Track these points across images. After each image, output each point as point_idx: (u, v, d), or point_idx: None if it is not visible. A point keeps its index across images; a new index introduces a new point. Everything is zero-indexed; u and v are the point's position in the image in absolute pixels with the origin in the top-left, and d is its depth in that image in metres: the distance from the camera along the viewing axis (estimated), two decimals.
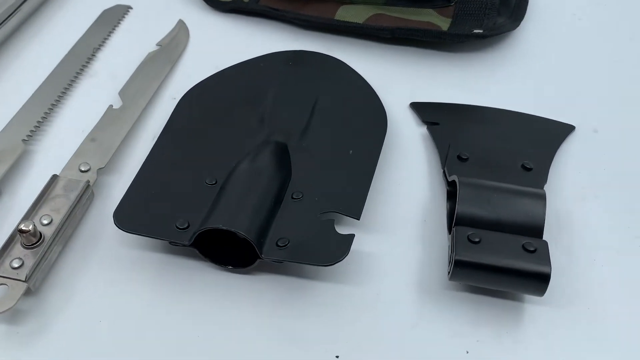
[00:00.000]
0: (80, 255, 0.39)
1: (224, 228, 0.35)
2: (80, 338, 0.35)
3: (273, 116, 0.46)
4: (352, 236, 0.36)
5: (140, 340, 0.35)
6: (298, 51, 0.53)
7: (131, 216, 0.37)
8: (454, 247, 0.35)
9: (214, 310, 0.36)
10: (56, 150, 0.45)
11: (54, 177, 0.41)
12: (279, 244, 0.36)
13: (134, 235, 0.39)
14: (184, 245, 0.36)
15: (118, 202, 0.41)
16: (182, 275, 0.38)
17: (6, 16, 0.52)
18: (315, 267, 0.37)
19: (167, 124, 0.44)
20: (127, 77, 0.51)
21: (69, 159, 0.43)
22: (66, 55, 0.52)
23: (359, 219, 0.38)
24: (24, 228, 0.36)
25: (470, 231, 0.35)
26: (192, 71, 0.52)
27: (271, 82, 0.49)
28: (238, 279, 0.38)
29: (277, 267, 0.38)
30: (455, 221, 0.36)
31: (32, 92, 0.49)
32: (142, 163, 0.43)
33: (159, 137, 0.43)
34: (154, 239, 0.38)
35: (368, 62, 0.52)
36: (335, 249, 0.35)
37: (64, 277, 0.38)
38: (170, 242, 0.37)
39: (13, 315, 0.35)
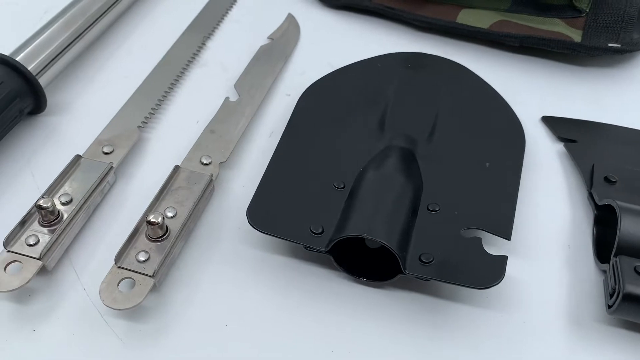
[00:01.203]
0: (202, 252, 0.37)
1: (369, 238, 0.32)
2: (204, 341, 0.33)
3: (394, 120, 0.43)
4: (505, 258, 0.33)
5: (268, 350, 0.33)
6: (417, 53, 0.50)
7: (264, 216, 0.35)
8: (619, 278, 0.32)
9: (344, 324, 0.34)
10: (170, 138, 0.43)
11: (177, 168, 0.39)
12: (423, 259, 0.33)
13: (256, 235, 0.37)
14: (320, 252, 0.34)
15: (238, 198, 0.40)
16: (310, 282, 0.35)
17: (114, 1, 0.51)
18: (454, 286, 0.35)
19: (290, 122, 0.42)
20: (239, 69, 0.49)
21: (186, 149, 0.42)
22: (176, 42, 0.51)
23: (509, 240, 0.35)
24: (153, 220, 0.34)
25: (637, 262, 0.32)
26: (305, 68, 0.50)
27: (390, 83, 0.47)
28: (369, 292, 0.35)
29: (412, 283, 0.35)
30: (616, 250, 0.33)
31: (142, 77, 0.47)
32: (262, 159, 0.42)
33: (282, 135, 0.41)
34: (280, 240, 0.36)
35: (490, 70, 0.49)
36: (488, 271, 0.32)
37: (186, 275, 0.35)
38: (305, 247, 0.34)
39: (136, 312, 0.33)
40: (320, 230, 0.34)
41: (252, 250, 0.37)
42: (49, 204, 0.35)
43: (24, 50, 0.43)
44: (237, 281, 0.35)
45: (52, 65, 0.44)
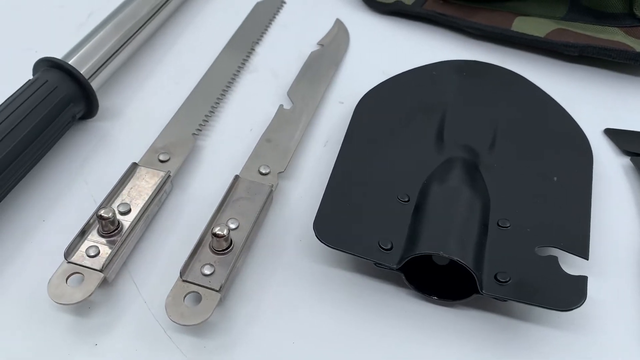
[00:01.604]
0: (263, 266, 0.35)
1: (445, 256, 0.31)
2: (273, 359, 0.32)
3: (453, 130, 0.42)
4: (585, 279, 0.32)
5: None
6: (472, 61, 0.49)
7: (331, 230, 0.34)
8: None
9: (413, 342, 0.32)
10: (224, 146, 0.42)
11: (236, 178, 0.38)
12: (499, 279, 0.32)
13: (318, 248, 0.36)
14: (390, 269, 0.33)
15: (296, 209, 0.39)
16: (377, 299, 0.34)
17: (161, 4, 0.50)
18: (525, 306, 0.33)
19: (348, 132, 0.41)
20: (290, 76, 0.48)
21: (241, 157, 0.41)
22: (225, 48, 0.50)
23: (587, 259, 0.33)
24: (219, 232, 0.33)
25: None
26: (357, 75, 0.49)
27: (446, 92, 0.45)
28: (438, 310, 0.34)
29: (481, 302, 0.34)
30: None
31: (192, 82, 0.47)
32: (318, 169, 0.41)
33: (342, 145, 0.40)
34: (344, 255, 0.35)
35: (547, 80, 0.47)
36: (568, 292, 0.31)
37: (249, 289, 0.34)
38: (375, 264, 0.33)
39: (200, 327, 0.32)
40: (389, 246, 0.33)
41: (314, 264, 0.36)
42: (110, 214, 0.34)
43: (75, 54, 0.43)
44: (302, 297, 0.34)
45: (103, 69, 0.44)
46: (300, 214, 0.38)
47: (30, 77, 0.43)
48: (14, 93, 0.39)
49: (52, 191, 0.39)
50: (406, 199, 0.36)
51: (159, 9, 0.50)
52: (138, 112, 0.45)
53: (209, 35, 0.52)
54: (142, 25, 0.48)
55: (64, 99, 0.40)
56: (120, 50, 0.45)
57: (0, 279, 0.34)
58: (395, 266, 0.32)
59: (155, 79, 0.48)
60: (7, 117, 0.37)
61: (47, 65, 0.41)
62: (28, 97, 0.38)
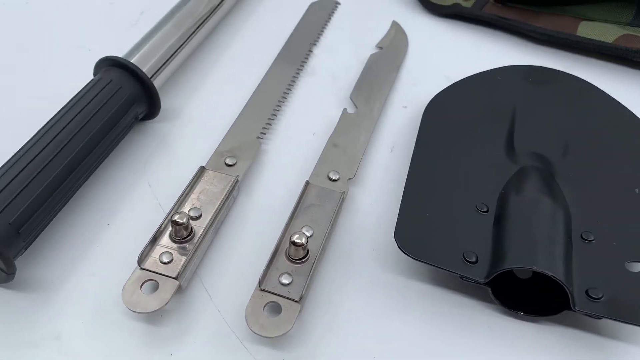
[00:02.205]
0: (338, 276, 0.34)
1: (538, 271, 0.30)
2: None
3: (523, 137, 0.41)
4: None
5: None
6: (537, 67, 0.47)
7: (412, 241, 0.33)
8: None
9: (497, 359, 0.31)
10: (288, 151, 0.41)
11: (307, 184, 0.37)
12: (591, 295, 0.31)
13: (393, 258, 0.35)
14: (477, 283, 0.31)
15: (367, 217, 0.38)
16: (460, 313, 0.33)
17: (217, 3, 0.49)
18: (615, 322, 0.32)
19: (419, 137, 0.40)
20: (349, 79, 0.47)
21: (306, 162, 0.40)
22: (282, 50, 0.49)
23: None
24: (298, 240, 0.32)
25: None
26: (418, 79, 0.48)
27: (512, 98, 0.44)
28: (523, 326, 0.32)
29: (568, 318, 0.32)
30: None
31: (250, 83, 0.46)
32: (386, 176, 0.40)
33: (414, 152, 0.38)
34: (422, 266, 0.34)
35: (616, 88, 0.46)
36: None
37: (325, 299, 0.33)
38: (461, 277, 0.32)
39: (278, 339, 0.31)
40: (474, 259, 0.32)
41: (391, 275, 0.34)
42: (184, 220, 0.33)
43: (136, 53, 0.42)
44: (380, 309, 0.33)
45: (164, 69, 0.43)
46: (372, 222, 0.37)
47: (85, 74, 0.42)
48: (79, 92, 0.38)
49: (115, 194, 0.38)
50: (485, 210, 0.35)
51: (215, 9, 0.49)
52: (197, 114, 0.44)
53: (264, 36, 0.51)
54: (200, 25, 0.47)
55: (129, 99, 0.39)
56: (179, 49, 0.44)
57: (67, 284, 0.33)
58: (483, 280, 0.31)
59: (212, 79, 0.47)
60: (75, 117, 0.36)
61: (110, 65, 0.40)
62: (94, 97, 0.37)
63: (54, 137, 0.35)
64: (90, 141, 0.36)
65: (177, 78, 0.46)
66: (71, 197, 0.36)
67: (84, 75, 0.42)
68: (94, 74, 0.41)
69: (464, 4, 0.53)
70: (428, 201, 0.35)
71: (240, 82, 0.46)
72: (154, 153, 0.41)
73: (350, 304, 0.33)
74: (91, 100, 0.37)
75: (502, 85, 0.46)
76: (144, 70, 0.41)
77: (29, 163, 0.33)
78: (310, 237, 0.34)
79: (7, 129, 0.41)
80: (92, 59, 0.46)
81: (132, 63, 0.40)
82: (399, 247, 0.32)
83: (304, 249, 0.32)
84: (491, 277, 0.31)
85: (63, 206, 0.35)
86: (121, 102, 0.38)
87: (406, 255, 0.32)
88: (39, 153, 0.34)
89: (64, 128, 0.35)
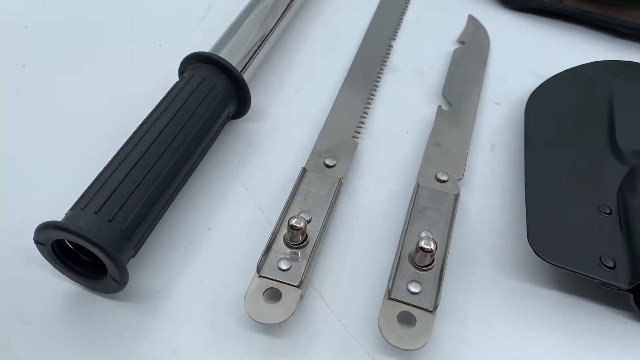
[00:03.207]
0: (458, 282, 0.32)
1: None
2: None
3: (626, 136, 0.39)
4: None
5: None
6: (628, 62, 0.46)
7: (547, 245, 0.31)
8: None
9: None
10: (384, 150, 0.39)
11: (418, 186, 0.35)
12: None
13: (514, 264, 0.33)
14: (620, 290, 0.30)
15: (479, 220, 0.36)
16: (597, 323, 0.31)
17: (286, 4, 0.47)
18: None
19: (527, 137, 0.38)
20: (435, 75, 0.45)
21: (404, 162, 0.38)
22: (362, 45, 0.47)
23: None
24: (426, 247, 0.30)
25: None
26: (505, 75, 0.46)
27: (606, 94, 0.42)
28: None
29: None
30: None
31: (331, 81, 0.44)
32: (490, 176, 0.38)
33: (526, 152, 0.37)
34: (548, 272, 0.32)
35: None
36: None
37: (449, 307, 0.31)
38: (602, 284, 0.30)
39: (409, 354, 0.29)
40: (612, 264, 0.30)
41: (513, 281, 0.33)
42: (301, 224, 0.31)
43: (222, 48, 0.40)
44: (508, 316, 0.31)
45: (250, 64, 0.41)
46: (485, 225, 0.35)
47: (159, 71, 0.41)
48: (172, 91, 0.36)
49: (212, 197, 0.36)
50: (608, 211, 0.33)
51: (291, 1, 0.47)
52: (283, 112, 0.42)
53: (339, 30, 0.49)
54: (280, 18, 0.45)
55: (223, 97, 0.37)
56: (263, 43, 0.42)
57: (175, 292, 0.31)
58: (627, 287, 0.29)
59: (293, 76, 0.45)
60: (173, 117, 0.34)
61: (199, 61, 0.38)
62: (189, 96, 0.35)
63: (155, 139, 0.33)
64: (190, 142, 0.34)
65: (260, 74, 0.44)
66: (173, 200, 0.34)
67: (159, 72, 0.41)
68: (180, 71, 0.39)
69: None
70: (553, 203, 0.34)
71: (322, 79, 0.44)
72: (245, 153, 0.39)
73: (477, 312, 0.31)
74: (187, 100, 0.35)
75: (595, 82, 0.44)
76: (234, 64, 0.39)
77: (133, 167, 0.31)
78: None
79: (91, 128, 0.39)
80: (164, 55, 0.45)
81: (223, 59, 0.38)
82: (535, 252, 0.30)
83: (432, 255, 0.30)
84: (635, 284, 0.29)
85: (166, 210, 0.33)
86: (216, 100, 0.36)
87: (529, 260, 0.30)
88: (142, 156, 0.32)
89: (163, 129, 0.33)
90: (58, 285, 0.31)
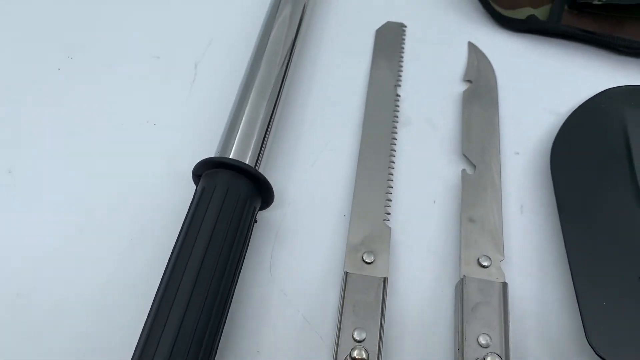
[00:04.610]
0: None
1: None
2: None
3: None
4: None
5: None
6: (637, 87, 0.45)
7: (608, 345, 0.31)
8: None
9: None
10: (414, 228, 0.38)
11: (464, 279, 0.34)
12: None
13: (569, 356, 0.33)
14: None
15: (524, 303, 0.35)
16: None
17: (286, 57, 0.44)
18: None
19: (559, 202, 0.37)
20: (448, 124, 0.44)
21: (439, 240, 0.38)
22: (368, 99, 0.45)
23: None
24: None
25: None
26: (518, 115, 0.45)
27: (621, 129, 0.42)
28: None
29: None
30: None
31: (345, 146, 0.42)
32: (525, 245, 0.38)
33: (562, 221, 0.36)
34: None
35: None
36: None
37: None
38: None
39: None
40: None
41: None
42: (363, 355, 0.30)
43: (232, 146, 0.37)
44: None
45: (263, 154, 0.38)
46: (531, 309, 0.35)
47: (159, 153, 0.41)
48: (199, 208, 0.33)
49: (253, 312, 0.35)
50: None
51: (287, 64, 0.43)
52: (303, 191, 0.40)
53: (341, 83, 0.46)
54: (280, 90, 0.42)
55: (250, 202, 0.35)
56: (269, 127, 0.39)
57: None
58: None
59: (304, 147, 0.42)
60: (210, 241, 0.32)
61: (214, 166, 0.36)
62: (219, 213, 0.33)
63: (198, 275, 0.31)
64: (231, 265, 0.32)
65: (271, 156, 0.42)
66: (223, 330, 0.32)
67: (159, 155, 0.41)
68: (195, 174, 0.37)
69: (540, 15, 0.49)
70: (602, 289, 0.33)
71: (335, 143, 0.42)
72: (275, 250, 0.37)
73: None
74: (219, 218, 0.33)
75: (608, 115, 0.43)
76: (246, 162, 0.37)
77: (185, 310, 0.29)
78: (485, 346, 0.32)
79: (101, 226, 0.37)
80: (160, 134, 0.42)
81: (241, 162, 0.36)
82: (598, 355, 0.31)
83: None
84: None
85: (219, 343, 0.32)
86: (245, 210, 0.34)
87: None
88: (192, 296, 0.30)
89: (204, 257, 0.31)
90: None
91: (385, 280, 0.34)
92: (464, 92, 0.45)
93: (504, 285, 0.34)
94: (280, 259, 0.37)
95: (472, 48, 0.49)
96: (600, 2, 0.48)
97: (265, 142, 0.39)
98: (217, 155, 0.36)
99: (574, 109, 0.44)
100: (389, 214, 0.38)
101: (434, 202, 0.40)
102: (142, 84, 0.46)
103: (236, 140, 0.37)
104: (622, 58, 0.48)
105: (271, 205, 0.39)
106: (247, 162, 0.36)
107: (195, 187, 0.36)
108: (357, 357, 0.30)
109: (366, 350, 0.30)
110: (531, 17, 0.49)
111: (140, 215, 0.38)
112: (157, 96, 0.45)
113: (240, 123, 0.38)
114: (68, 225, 0.38)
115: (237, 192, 0.34)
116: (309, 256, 0.37)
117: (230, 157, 0.36)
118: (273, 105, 0.41)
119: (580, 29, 0.48)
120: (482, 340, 0.32)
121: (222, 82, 0.46)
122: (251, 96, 0.40)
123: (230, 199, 0.34)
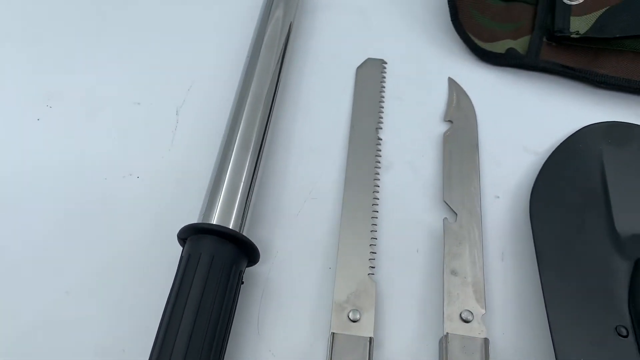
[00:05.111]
0: None
1: None
2: None
3: (623, 218, 0.40)
4: None
5: None
6: (614, 124, 0.46)
7: None
8: None
9: None
10: (399, 281, 0.39)
11: (447, 337, 0.35)
12: None
13: None
14: None
15: (507, 355, 0.36)
16: None
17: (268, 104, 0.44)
18: None
19: (538, 253, 0.38)
20: (429, 168, 0.44)
21: (425, 294, 0.38)
22: (350, 143, 0.45)
23: None
24: None
25: None
26: (497, 155, 0.45)
27: (598, 169, 0.43)
28: None
29: None
30: None
31: (328, 194, 0.43)
32: (506, 294, 0.39)
33: (541, 271, 0.37)
34: None
35: None
36: None
37: None
38: None
39: None
40: None
41: None
42: None
43: (215, 211, 0.37)
44: None
45: (247, 214, 0.39)
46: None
47: (143, 208, 0.42)
48: (185, 275, 0.34)
49: None
50: (624, 334, 0.35)
51: (269, 111, 0.43)
52: (288, 244, 0.41)
53: (322, 126, 0.46)
54: (264, 135, 0.42)
55: (236, 266, 0.35)
56: (252, 186, 0.39)
57: None
58: None
59: (288, 197, 0.43)
60: (199, 309, 0.33)
61: (199, 232, 0.36)
62: (207, 279, 0.34)
63: (190, 338, 0.32)
64: (220, 331, 0.33)
65: (255, 210, 0.42)
66: None
67: (144, 210, 0.42)
68: (181, 237, 0.37)
69: (519, 49, 0.50)
70: (580, 339, 0.35)
71: (318, 191, 0.43)
72: (262, 310, 0.38)
73: None
74: (206, 285, 0.33)
75: (586, 155, 0.44)
76: (231, 225, 0.37)
77: None
78: None
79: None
80: (143, 186, 0.43)
81: (226, 228, 0.36)
82: None
83: None
84: None
85: None
86: (231, 275, 0.35)
87: None
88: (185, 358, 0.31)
89: (194, 326, 0.32)
90: None
91: (371, 340, 0.35)
92: (445, 133, 0.46)
93: (486, 341, 0.35)
94: (267, 316, 0.38)
95: (453, 85, 0.49)
96: (577, 36, 0.48)
97: (248, 202, 0.39)
98: (201, 221, 0.37)
99: (553, 148, 0.44)
100: (373, 267, 0.39)
101: (417, 251, 0.41)
102: (123, 132, 0.46)
103: (219, 204, 0.38)
104: (601, 91, 0.49)
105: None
106: (231, 227, 0.37)
107: (180, 247, 0.37)
108: None
109: None
110: (510, 51, 0.50)
111: (128, 277, 0.39)
112: (140, 145, 0.45)
113: (224, 184, 0.39)
114: (56, 290, 0.38)
115: (223, 258, 0.35)
116: (296, 314, 0.38)
117: (215, 222, 0.37)
118: (256, 157, 0.41)
119: (559, 64, 0.49)
120: None
121: (205, 127, 0.46)
122: (234, 150, 0.40)
123: (216, 266, 0.35)
